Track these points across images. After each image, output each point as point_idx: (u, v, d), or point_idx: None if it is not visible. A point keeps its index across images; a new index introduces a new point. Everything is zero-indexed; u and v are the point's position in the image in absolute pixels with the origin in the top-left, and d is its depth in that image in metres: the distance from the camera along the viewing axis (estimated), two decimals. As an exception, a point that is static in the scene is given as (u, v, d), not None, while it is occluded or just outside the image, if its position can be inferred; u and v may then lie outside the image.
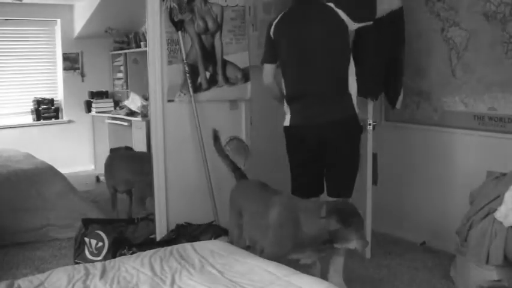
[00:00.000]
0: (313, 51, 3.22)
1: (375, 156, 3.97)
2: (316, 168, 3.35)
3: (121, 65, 7.17)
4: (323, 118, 3.21)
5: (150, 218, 3.98)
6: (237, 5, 4.00)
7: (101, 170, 7.06)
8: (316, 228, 2.76)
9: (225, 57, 3.98)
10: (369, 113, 3.77)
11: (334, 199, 3.19)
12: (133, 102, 6.36)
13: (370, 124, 3.78)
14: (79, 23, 6.99)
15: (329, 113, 3.21)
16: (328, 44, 3.22)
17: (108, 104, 7.14)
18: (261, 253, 2.90)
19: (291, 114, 3.32)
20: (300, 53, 3.27)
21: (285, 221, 2.86)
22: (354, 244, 2.76)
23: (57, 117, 7.23)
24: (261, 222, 2.96)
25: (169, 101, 3.84)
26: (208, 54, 3.93)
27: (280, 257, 2.84)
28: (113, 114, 6.84)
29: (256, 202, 3.10)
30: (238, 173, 3.42)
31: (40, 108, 7.09)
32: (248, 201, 3.19)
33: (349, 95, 3.24)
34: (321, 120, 3.21)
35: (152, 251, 2.76)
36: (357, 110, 3.27)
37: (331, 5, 3.22)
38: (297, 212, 2.85)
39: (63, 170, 5.11)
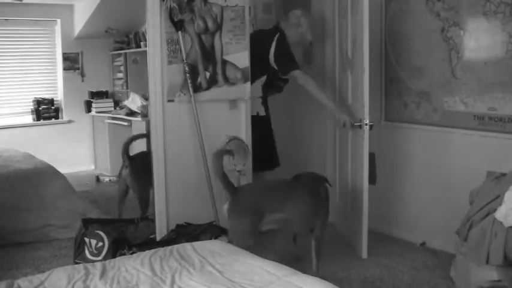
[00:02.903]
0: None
1: (373, 156, 3.96)
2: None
3: (121, 65, 7.17)
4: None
5: (150, 218, 3.98)
6: (236, 5, 3.99)
7: (101, 170, 7.12)
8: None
9: (225, 57, 3.98)
10: (365, 113, 3.76)
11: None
12: (134, 102, 6.36)
13: (366, 124, 3.77)
14: (79, 23, 6.99)
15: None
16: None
17: (108, 104, 7.15)
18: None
19: None
20: None
21: (320, 194, 3.63)
22: None
23: (57, 117, 7.24)
24: (315, 208, 3.55)
25: (169, 101, 3.84)
26: (208, 54, 3.93)
27: None
28: (113, 114, 6.84)
29: (299, 195, 3.49)
30: (231, 188, 3.38)
31: (40, 108, 7.09)
32: (276, 199, 3.42)
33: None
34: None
35: (152, 251, 2.75)
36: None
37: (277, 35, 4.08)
38: (317, 185, 3.66)
39: (63, 170, 5.10)
